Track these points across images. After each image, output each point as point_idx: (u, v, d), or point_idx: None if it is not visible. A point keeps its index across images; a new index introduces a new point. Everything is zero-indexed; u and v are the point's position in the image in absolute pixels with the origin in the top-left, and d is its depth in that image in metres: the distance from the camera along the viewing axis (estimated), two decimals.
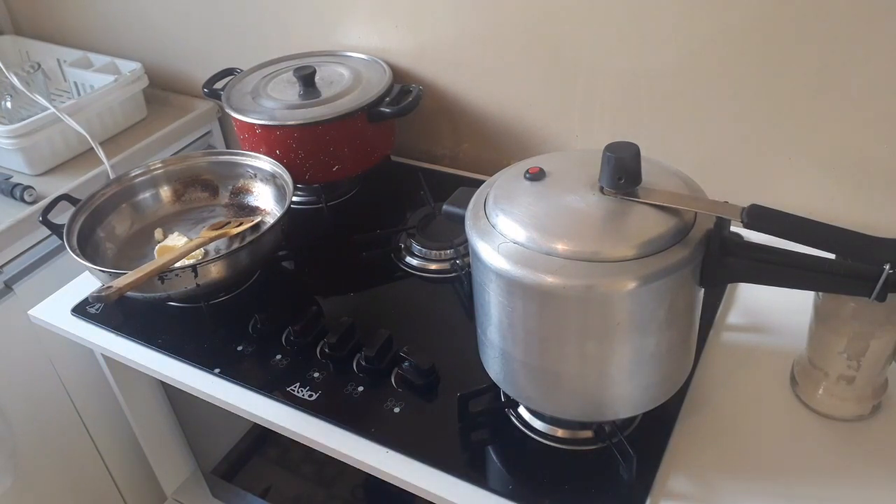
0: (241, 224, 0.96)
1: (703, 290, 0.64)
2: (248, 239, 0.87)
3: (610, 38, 0.96)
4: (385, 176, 1.15)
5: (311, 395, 0.78)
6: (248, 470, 1.11)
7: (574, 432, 0.72)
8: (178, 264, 0.84)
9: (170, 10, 1.32)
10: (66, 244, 0.89)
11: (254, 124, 1.03)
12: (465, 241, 0.64)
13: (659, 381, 0.66)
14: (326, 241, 1.05)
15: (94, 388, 1.18)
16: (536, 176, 0.64)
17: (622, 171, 0.59)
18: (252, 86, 1.11)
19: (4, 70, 1.19)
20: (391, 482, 0.71)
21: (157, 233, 1.00)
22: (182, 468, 1.21)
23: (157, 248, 0.95)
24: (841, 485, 0.66)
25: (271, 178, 1.01)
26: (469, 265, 0.79)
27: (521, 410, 0.75)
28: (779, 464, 0.68)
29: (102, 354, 0.98)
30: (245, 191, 1.05)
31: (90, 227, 0.95)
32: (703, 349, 0.80)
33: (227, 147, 1.42)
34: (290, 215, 0.92)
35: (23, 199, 1.12)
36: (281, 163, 0.99)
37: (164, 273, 0.82)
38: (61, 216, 0.94)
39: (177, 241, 0.95)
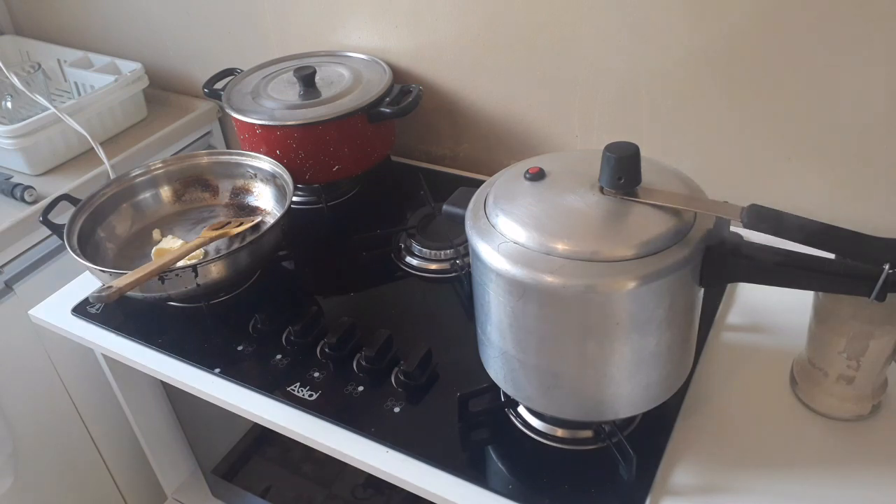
0: (241, 224, 0.96)
1: (702, 290, 0.64)
2: (249, 239, 0.87)
3: (610, 39, 0.96)
4: (385, 176, 1.15)
5: (311, 395, 0.78)
6: (248, 470, 1.11)
7: (574, 432, 0.72)
8: (178, 264, 0.84)
9: (170, 10, 1.32)
10: (66, 244, 0.89)
11: (254, 124, 1.03)
12: (465, 241, 0.64)
13: (659, 380, 0.66)
14: (326, 241, 1.05)
15: (95, 388, 1.18)
16: (536, 176, 0.64)
17: (622, 171, 0.59)
18: (252, 86, 1.11)
19: (4, 70, 1.19)
20: (391, 482, 0.71)
21: (156, 233, 1.00)
22: (182, 468, 1.21)
23: (153, 250, 0.95)
24: (841, 484, 0.66)
25: (271, 178, 1.01)
26: (469, 265, 0.79)
27: (521, 410, 0.75)
28: (778, 464, 0.68)
29: (103, 354, 0.98)
30: (245, 191, 1.05)
31: (90, 227, 0.95)
32: (703, 349, 0.80)
33: (228, 147, 1.42)
34: (290, 215, 0.92)
35: (23, 199, 1.12)
36: (281, 163, 0.99)
37: (164, 273, 0.82)
38: (61, 216, 0.94)
39: (172, 243, 0.95)
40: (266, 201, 1.03)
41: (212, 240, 0.93)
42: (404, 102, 1.05)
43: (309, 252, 1.02)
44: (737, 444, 0.70)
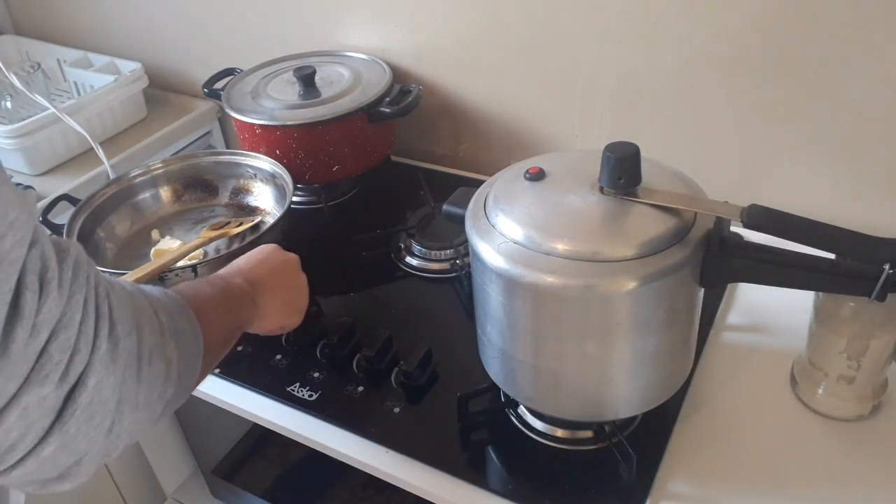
0: (241, 224, 0.96)
1: (703, 290, 0.64)
2: (249, 239, 0.87)
3: (610, 39, 0.96)
4: (385, 176, 1.15)
5: (311, 395, 0.78)
6: (248, 470, 1.11)
7: (574, 432, 0.72)
8: (178, 264, 0.83)
9: (170, 10, 1.32)
10: None
11: (254, 124, 1.03)
12: (465, 241, 0.64)
13: (659, 381, 0.66)
14: (326, 241, 1.05)
15: None
16: (536, 176, 0.64)
17: (622, 171, 0.59)
18: (252, 86, 1.11)
19: (4, 70, 1.19)
20: (391, 482, 0.71)
21: (154, 233, 1.00)
22: (182, 468, 1.21)
23: (152, 251, 0.95)
24: (841, 485, 0.66)
25: (271, 178, 1.01)
26: (469, 265, 0.79)
27: (521, 410, 0.75)
28: (778, 464, 0.68)
29: None
30: (245, 191, 1.05)
31: (90, 228, 0.95)
32: (703, 349, 0.80)
33: (227, 147, 1.42)
34: (289, 215, 0.92)
35: None
36: (281, 163, 0.99)
37: (164, 273, 0.82)
38: (61, 216, 0.94)
39: (170, 244, 0.95)
40: (266, 201, 1.03)
41: (211, 240, 0.93)
42: (404, 102, 1.05)
43: (309, 252, 1.01)
44: (737, 445, 0.70)
